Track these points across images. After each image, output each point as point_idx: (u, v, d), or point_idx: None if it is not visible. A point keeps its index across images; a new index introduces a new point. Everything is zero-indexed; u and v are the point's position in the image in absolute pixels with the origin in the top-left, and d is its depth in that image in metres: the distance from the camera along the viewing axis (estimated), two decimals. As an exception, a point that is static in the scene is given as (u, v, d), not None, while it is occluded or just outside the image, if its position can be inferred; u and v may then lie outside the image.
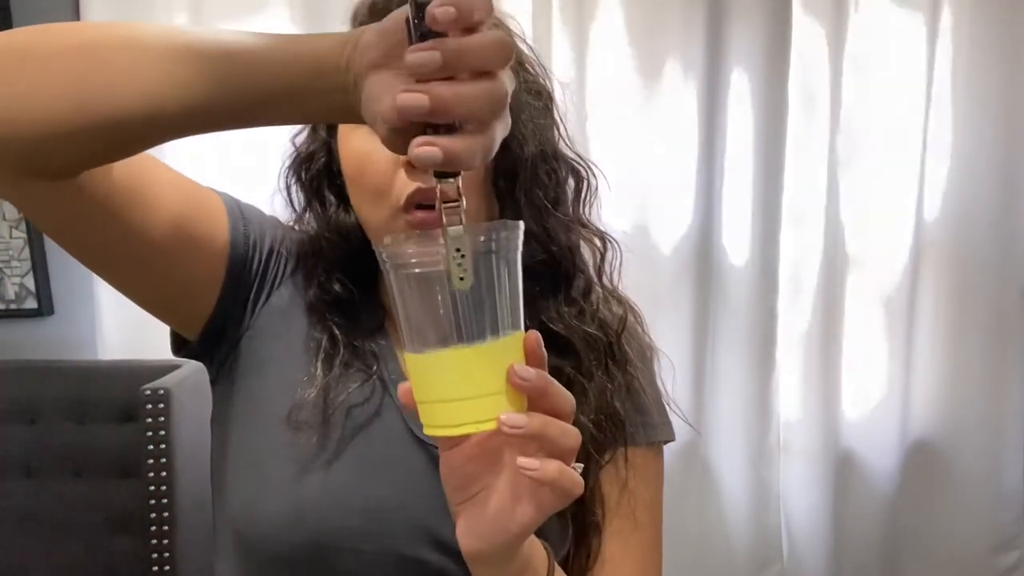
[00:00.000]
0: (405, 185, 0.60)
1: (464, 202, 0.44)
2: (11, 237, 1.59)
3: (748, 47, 1.57)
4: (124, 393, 1.36)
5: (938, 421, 1.72)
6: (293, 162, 0.71)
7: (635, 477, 0.69)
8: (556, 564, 0.58)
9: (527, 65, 0.68)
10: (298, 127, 0.71)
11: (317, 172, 0.69)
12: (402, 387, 0.50)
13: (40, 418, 1.44)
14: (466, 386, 0.46)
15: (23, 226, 1.59)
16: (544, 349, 0.48)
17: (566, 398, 0.48)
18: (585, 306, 0.70)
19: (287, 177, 0.71)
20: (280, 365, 0.67)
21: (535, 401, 0.47)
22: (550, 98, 0.69)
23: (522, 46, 0.67)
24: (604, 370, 0.69)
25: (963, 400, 1.70)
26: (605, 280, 0.73)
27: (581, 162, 0.71)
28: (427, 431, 0.48)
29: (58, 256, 1.62)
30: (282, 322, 0.69)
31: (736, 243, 1.63)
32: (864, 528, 1.76)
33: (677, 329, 1.65)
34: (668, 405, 0.74)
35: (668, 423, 0.73)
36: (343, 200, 0.68)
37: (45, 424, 1.43)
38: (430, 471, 0.62)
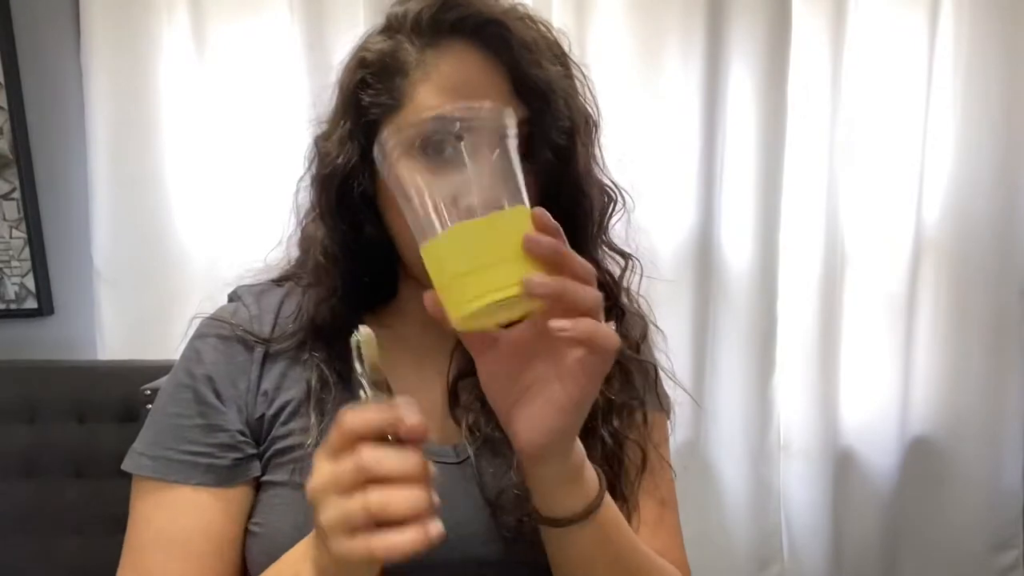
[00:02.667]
0: None
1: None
2: (11, 237, 1.59)
3: (748, 47, 1.57)
4: (124, 393, 1.36)
5: (938, 420, 1.72)
6: (333, 173, 0.67)
7: (656, 437, 0.75)
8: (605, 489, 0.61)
9: (581, 88, 0.70)
10: (321, 128, 0.70)
11: (358, 188, 0.67)
12: (427, 295, 0.52)
13: (40, 418, 1.44)
14: (480, 254, 0.48)
15: (23, 226, 1.59)
16: (555, 221, 0.50)
17: (582, 263, 0.50)
18: (629, 333, 0.74)
19: (324, 188, 0.68)
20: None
21: (554, 269, 0.49)
22: (596, 125, 0.72)
23: (575, 71, 0.69)
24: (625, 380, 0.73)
25: (963, 399, 1.70)
26: (624, 298, 0.76)
27: (614, 187, 0.75)
28: (454, 321, 0.50)
29: (58, 256, 1.63)
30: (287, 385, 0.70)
31: (736, 243, 1.63)
32: (864, 527, 1.76)
33: (677, 329, 1.65)
34: (674, 384, 0.80)
35: (668, 395, 0.79)
36: (372, 217, 0.68)
37: (45, 424, 1.43)
38: (451, 486, 0.66)
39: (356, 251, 0.69)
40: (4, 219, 1.59)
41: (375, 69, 0.65)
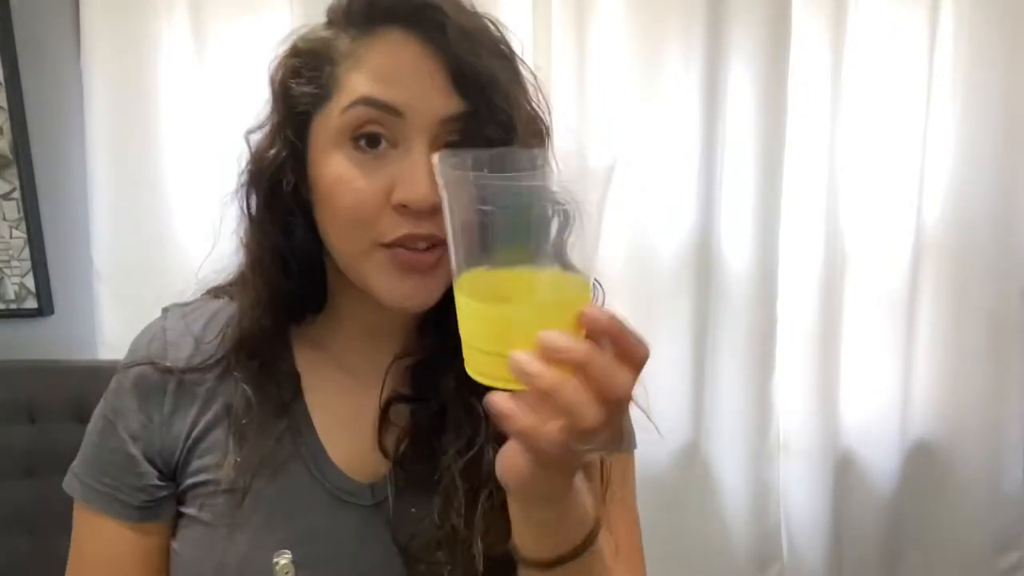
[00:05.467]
0: (396, 227, 0.58)
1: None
2: (11, 237, 1.59)
3: (748, 47, 1.57)
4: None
5: (939, 421, 1.72)
6: (261, 169, 0.64)
7: (616, 478, 0.70)
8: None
9: (533, 92, 0.64)
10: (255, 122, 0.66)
11: (287, 185, 0.63)
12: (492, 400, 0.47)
13: (40, 418, 1.44)
14: (503, 342, 0.44)
15: (23, 226, 1.59)
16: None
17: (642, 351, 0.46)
18: None
19: (253, 185, 0.65)
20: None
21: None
22: (547, 134, 0.65)
23: (525, 72, 0.64)
24: None
25: (964, 400, 1.70)
26: None
27: (570, 203, 0.68)
28: (467, 369, 0.47)
29: (58, 256, 1.62)
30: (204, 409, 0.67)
31: (736, 243, 1.63)
32: (864, 528, 1.75)
33: (677, 329, 1.65)
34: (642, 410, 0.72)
35: (632, 432, 0.74)
36: (303, 217, 0.63)
37: (45, 424, 1.43)
38: (362, 530, 0.64)
39: (286, 256, 0.64)
40: (4, 219, 1.59)
41: (306, 59, 0.62)
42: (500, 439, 0.61)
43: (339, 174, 0.59)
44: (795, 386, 1.70)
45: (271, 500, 0.64)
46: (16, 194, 1.58)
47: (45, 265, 1.62)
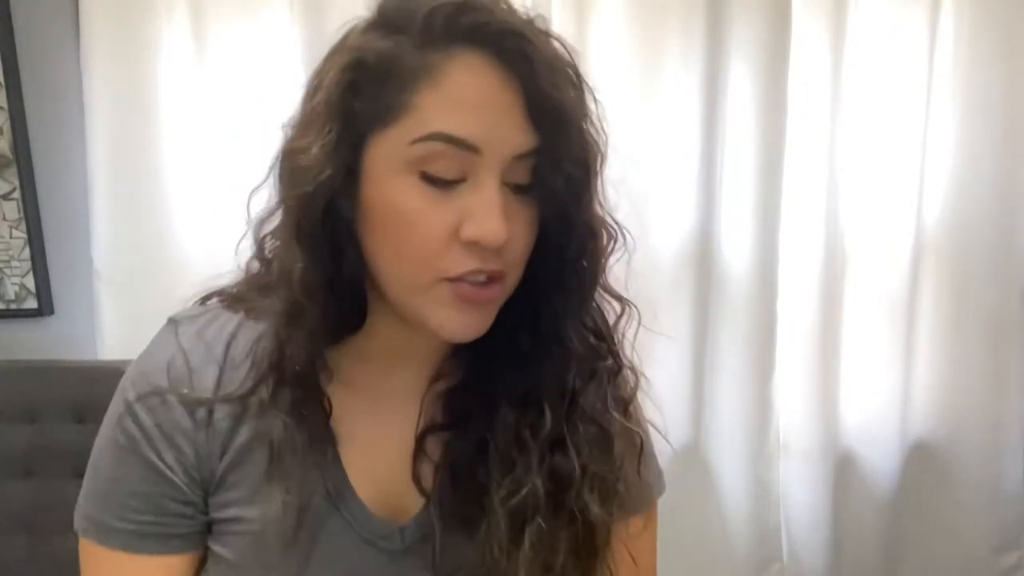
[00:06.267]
0: (463, 262, 0.55)
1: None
2: (11, 237, 1.59)
3: (748, 47, 1.57)
4: (124, 393, 1.36)
5: (939, 421, 1.72)
6: (313, 193, 0.56)
7: (640, 540, 0.69)
8: None
9: (596, 117, 0.61)
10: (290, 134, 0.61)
11: (344, 211, 0.57)
12: None
13: (40, 418, 1.43)
14: None
15: (23, 226, 1.59)
16: None
17: None
18: (621, 394, 0.67)
19: (302, 210, 0.56)
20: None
21: None
22: (603, 157, 0.62)
23: (590, 98, 0.61)
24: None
25: (964, 400, 1.70)
26: (619, 350, 0.68)
27: (615, 224, 0.66)
28: None
29: (58, 256, 1.62)
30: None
31: (736, 243, 1.63)
32: (864, 528, 1.75)
33: (677, 329, 1.65)
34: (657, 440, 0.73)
35: (661, 473, 0.73)
36: (353, 241, 0.59)
37: (45, 424, 1.43)
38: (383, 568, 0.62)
39: (334, 282, 0.59)
40: (4, 219, 1.59)
41: (369, 74, 0.55)
42: (552, 472, 0.61)
43: (405, 206, 0.55)
44: (795, 386, 1.70)
45: (301, 544, 0.60)
46: (16, 194, 1.58)
47: (45, 265, 1.62)
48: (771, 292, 1.65)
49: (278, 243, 0.61)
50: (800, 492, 1.74)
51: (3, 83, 1.54)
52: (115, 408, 0.63)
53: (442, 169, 0.55)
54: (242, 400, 0.60)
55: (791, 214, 1.63)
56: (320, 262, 0.57)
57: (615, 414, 0.65)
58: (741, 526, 1.73)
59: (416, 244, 0.55)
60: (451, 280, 0.56)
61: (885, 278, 1.67)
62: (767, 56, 1.57)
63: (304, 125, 0.58)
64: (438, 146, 0.54)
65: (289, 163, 0.58)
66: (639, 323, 0.67)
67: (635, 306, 0.67)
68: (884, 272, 1.66)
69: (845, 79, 1.59)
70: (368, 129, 0.56)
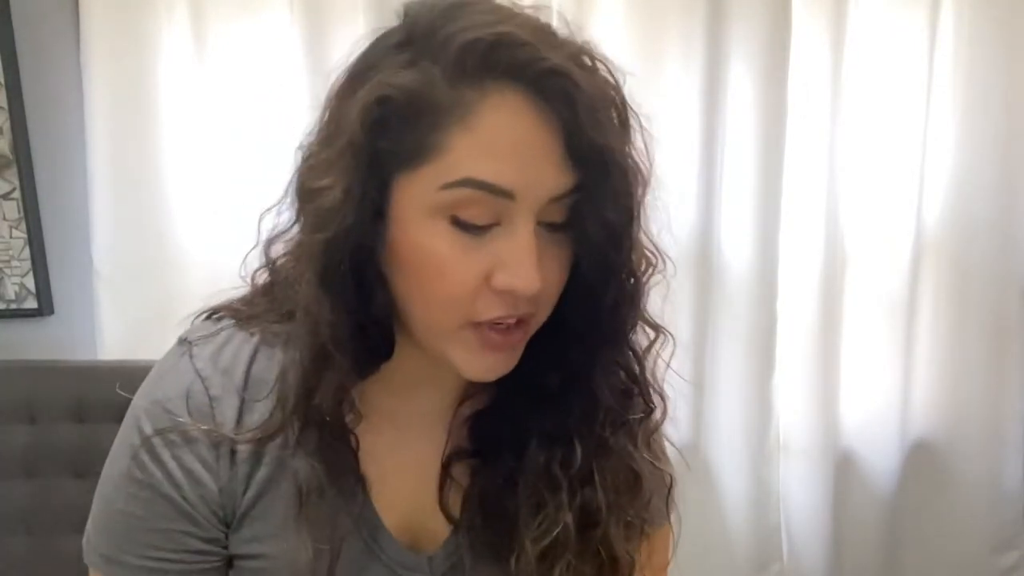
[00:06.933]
0: (493, 308, 0.54)
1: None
2: (11, 237, 1.59)
3: (748, 47, 1.57)
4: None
5: (938, 421, 1.72)
6: (338, 235, 0.52)
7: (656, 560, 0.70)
8: None
9: (644, 146, 0.58)
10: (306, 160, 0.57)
11: (374, 254, 0.55)
12: None
13: (40, 418, 1.43)
14: None
15: (23, 226, 1.59)
16: None
17: None
18: (650, 429, 0.65)
19: (329, 255, 0.53)
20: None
21: None
22: (647, 185, 0.58)
23: (635, 119, 0.58)
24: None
25: (964, 400, 1.70)
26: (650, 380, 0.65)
27: (656, 252, 0.61)
28: None
29: (58, 256, 1.62)
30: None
31: (736, 243, 1.63)
32: (864, 528, 1.76)
33: (677, 329, 1.64)
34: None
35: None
36: (381, 281, 0.56)
37: (45, 424, 1.43)
38: None
39: (364, 323, 0.56)
40: (4, 219, 1.59)
41: (399, 109, 0.51)
42: (582, 508, 0.61)
43: (435, 251, 0.52)
44: (795, 386, 1.71)
45: None
46: (16, 194, 1.57)
47: (45, 265, 1.62)
48: (771, 292, 1.65)
49: (290, 258, 0.59)
50: (800, 492, 1.74)
51: (3, 83, 1.54)
52: (128, 438, 0.59)
53: (474, 215, 0.52)
54: (269, 440, 0.58)
55: (791, 214, 1.63)
56: (347, 305, 0.54)
57: (644, 455, 0.64)
58: (741, 526, 1.73)
59: (446, 291, 0.53)
60: (478, 324, 0.54)
61: (885, 278, 1.67)
62: (767, 56, 1.57)
63: (327, 162, 0.53)
64: (470, 192, 0.51)
65: (311, 202, 0.54)
66: (673, 350, 0.64)
67: (670, 333, 0.64)
68: (884, 272, 1.67)
69: (845, 79, 1.59)
70: (395, 169, 0.53)
